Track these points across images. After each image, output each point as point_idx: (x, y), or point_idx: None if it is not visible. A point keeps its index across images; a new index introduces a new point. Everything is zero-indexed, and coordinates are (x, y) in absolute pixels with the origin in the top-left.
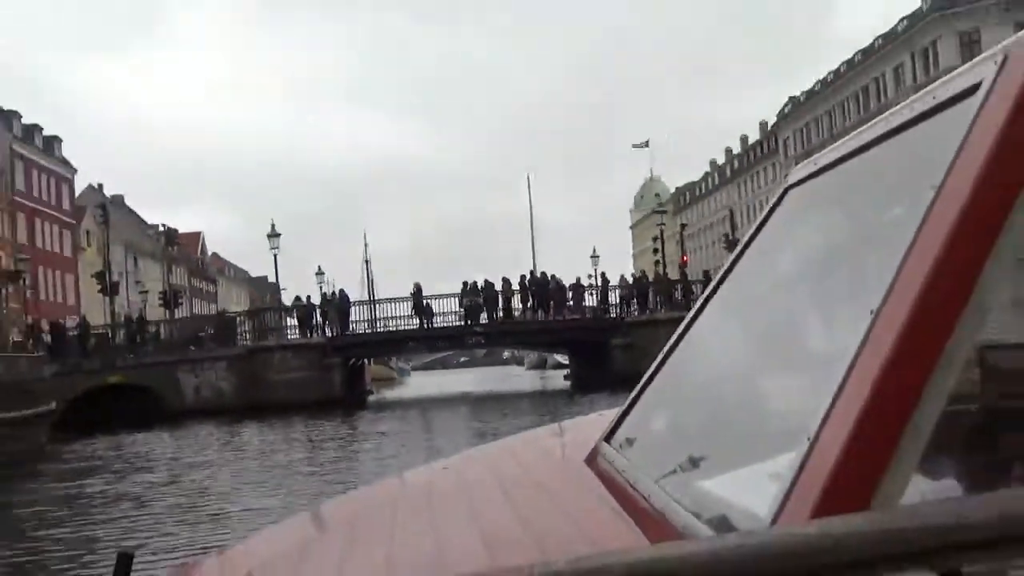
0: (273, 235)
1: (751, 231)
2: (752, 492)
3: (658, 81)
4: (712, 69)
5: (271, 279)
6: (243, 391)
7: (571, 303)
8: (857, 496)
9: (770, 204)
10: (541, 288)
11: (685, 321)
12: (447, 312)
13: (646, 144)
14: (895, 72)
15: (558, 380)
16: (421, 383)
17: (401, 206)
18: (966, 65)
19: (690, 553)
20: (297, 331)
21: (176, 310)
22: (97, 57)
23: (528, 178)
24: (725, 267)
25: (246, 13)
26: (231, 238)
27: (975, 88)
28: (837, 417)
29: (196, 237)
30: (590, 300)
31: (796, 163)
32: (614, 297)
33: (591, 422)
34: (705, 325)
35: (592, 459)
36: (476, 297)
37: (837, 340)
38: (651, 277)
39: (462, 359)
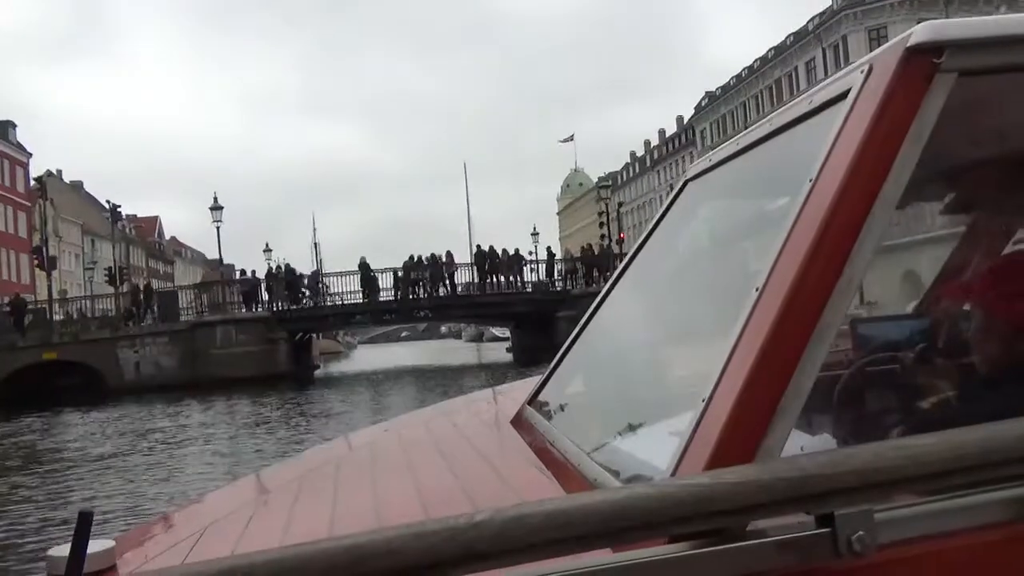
0: (216, 207)
1: (655, 219)
2: (655, 447)
3: (579, 90)
4: (625, 81)
5: (227, 260)
6: (186, 367)
7: (515, 278)
8: (744, 450)
9: (671, 195)
10: (490, 260)
11: (598, 299)
12: (392, 287)
13: (571, 138)
14: (807, 66)
15: (498, 353)
16: (367, 356)
17: (349, 202)
18: (838, 73)
19: (599, 501)
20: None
21: (122, 288)
22: (69, 61)
23: (464, 165)
24: (632, 251)
25: (199, 29)
26: (190, 223)
27: (845, 94)
28: (727, 382)
29: (153, 221)
30: (532, 275)
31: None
32: (559, 271)
33: (519, 387)
34: (615, 302)
35: (518, 420)
36: (422, 271)
37: (728, 314)
38: (595, 253)
39: (403, 334)
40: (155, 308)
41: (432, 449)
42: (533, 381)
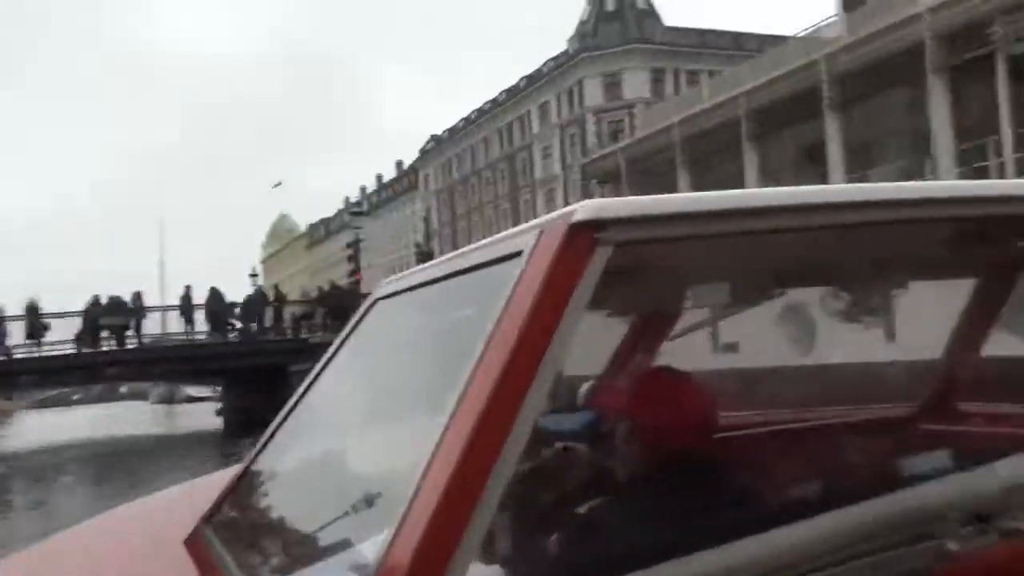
0: None
1: (343, 335)
2: None
3: (274, 146)
4: (320, 139)
5: None
6: None
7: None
8: None
9: (360, 312)
10: (213, 303)
11: (284, 410)
12: (64, 340)
13: (279, 184)
14: (541, 109)
15: (203, 417)
16: (35, 425)
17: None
18: (513, 230)
19: None
20: None
21: None
22: None
23: (161, 221)
24: (319, 365)
25: None
26: None
27: (519, 253)
28: (411, 520)
29: None
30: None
31: (437, 197)
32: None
33: (192, 492)
34: (304, 416)
35: (193, 541)
36: (114, 315)
37: (416, 438)
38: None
39: (75, 396)
40: None
41: None
42: (208, 485)
